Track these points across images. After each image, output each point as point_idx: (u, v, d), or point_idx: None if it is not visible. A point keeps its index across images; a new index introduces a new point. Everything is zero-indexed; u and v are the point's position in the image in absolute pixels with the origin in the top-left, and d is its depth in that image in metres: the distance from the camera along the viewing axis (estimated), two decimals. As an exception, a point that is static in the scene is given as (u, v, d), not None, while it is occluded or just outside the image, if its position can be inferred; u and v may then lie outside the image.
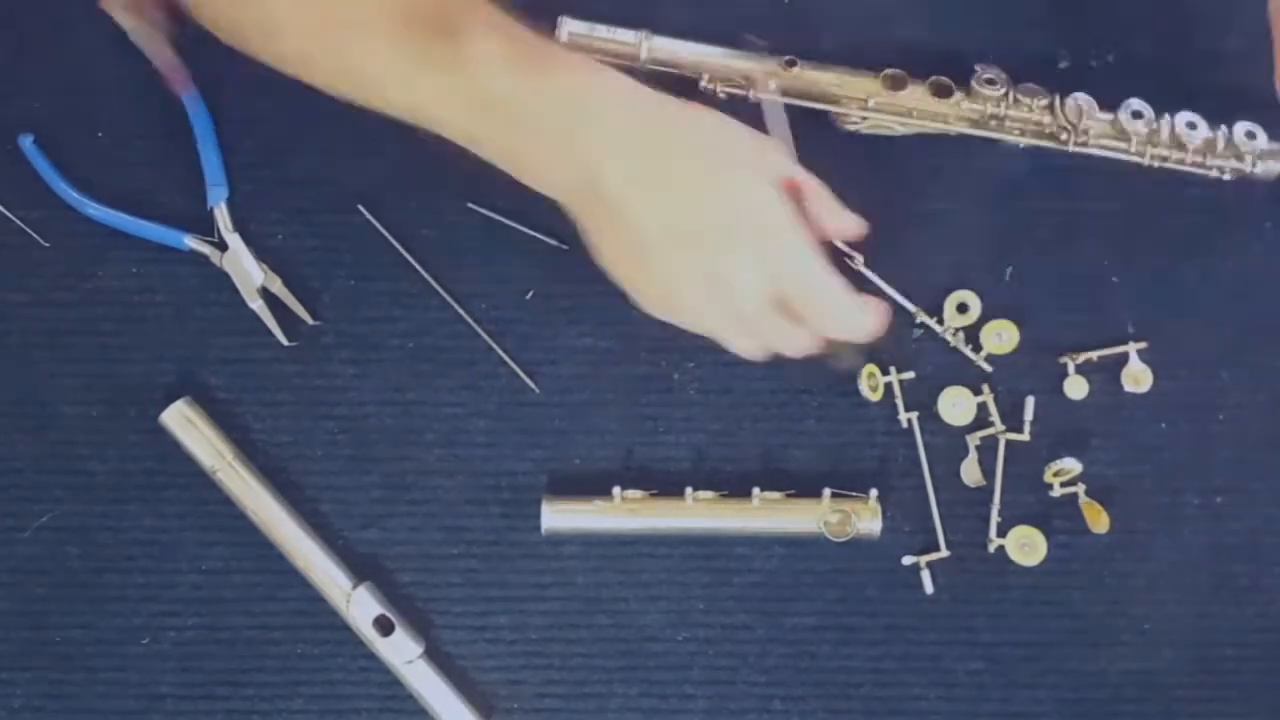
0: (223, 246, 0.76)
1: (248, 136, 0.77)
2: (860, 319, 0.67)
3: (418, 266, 0.77)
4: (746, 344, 0.69)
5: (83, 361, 0.76)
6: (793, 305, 0.66)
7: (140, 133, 0.78)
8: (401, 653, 0.74)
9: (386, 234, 0.77)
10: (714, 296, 0.65)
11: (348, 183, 0.77)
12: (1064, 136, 0.76)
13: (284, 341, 0.76)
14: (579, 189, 0.65)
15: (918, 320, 0.77)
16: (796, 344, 0.68)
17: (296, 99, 0.76)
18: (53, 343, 0.77)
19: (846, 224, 0.69)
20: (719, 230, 0.64)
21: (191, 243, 0.76)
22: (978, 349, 0.77)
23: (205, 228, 0.77)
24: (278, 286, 0.76)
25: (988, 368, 0.77)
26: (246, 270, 0.76)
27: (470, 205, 0.77)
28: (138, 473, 0.76)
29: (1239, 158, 0.76)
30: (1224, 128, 0.77)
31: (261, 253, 0.77)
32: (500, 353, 0.77)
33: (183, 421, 0.75)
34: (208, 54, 0.77)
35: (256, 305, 0.76)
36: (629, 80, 0.65)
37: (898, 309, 0.77)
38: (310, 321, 0.76)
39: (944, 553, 0.76)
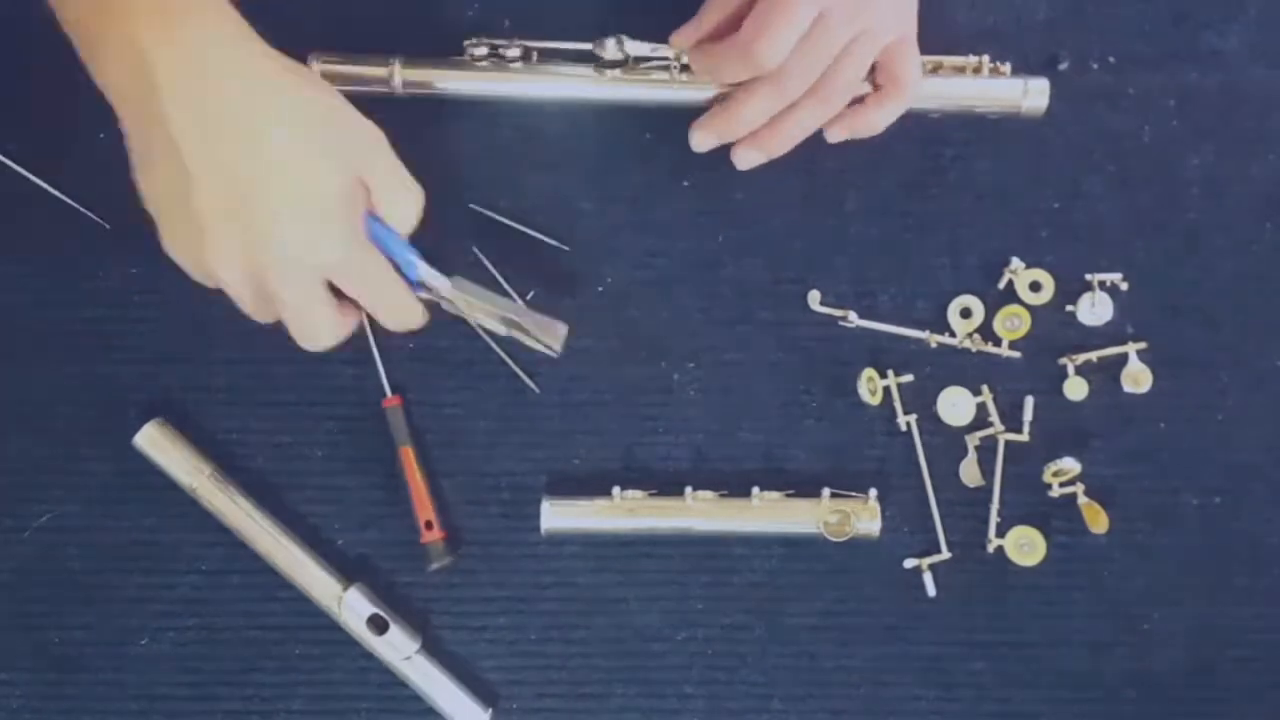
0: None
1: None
2: (409, 311, 0.66)
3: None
4: (258, 309, 0.63)
5: (82, 362, 0.76)
6: (341, 287, 0.63)
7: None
8: (398, 649, 0.74)
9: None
10: (247, 258, 0.60)
11: (347, 183, 0.77)
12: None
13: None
14: (133, 95, 0.59)
15: (932, 344, 0.77)
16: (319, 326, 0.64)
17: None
18: (51, 343, 0.76)
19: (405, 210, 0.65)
20: (265, 192, 0.59)
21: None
22: (998, 343, 0.77)
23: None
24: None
25: (1016, 354, 0.77)
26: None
27: (471, 206, 0.77)
28: (136, 474, 0.75)
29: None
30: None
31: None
32: (500, 353, 0.77)
33: (157, 442, 0.75)
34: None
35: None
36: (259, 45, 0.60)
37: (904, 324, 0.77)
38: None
39: (945, 554, 0.76)
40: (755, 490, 0.75)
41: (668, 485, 0.76)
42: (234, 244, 0.60)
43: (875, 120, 0.74)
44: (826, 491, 0.75)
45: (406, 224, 0.65)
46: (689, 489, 0.75)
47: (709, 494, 0.75)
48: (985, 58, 0.77)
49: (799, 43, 0.68)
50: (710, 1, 0.72)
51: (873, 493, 0.75)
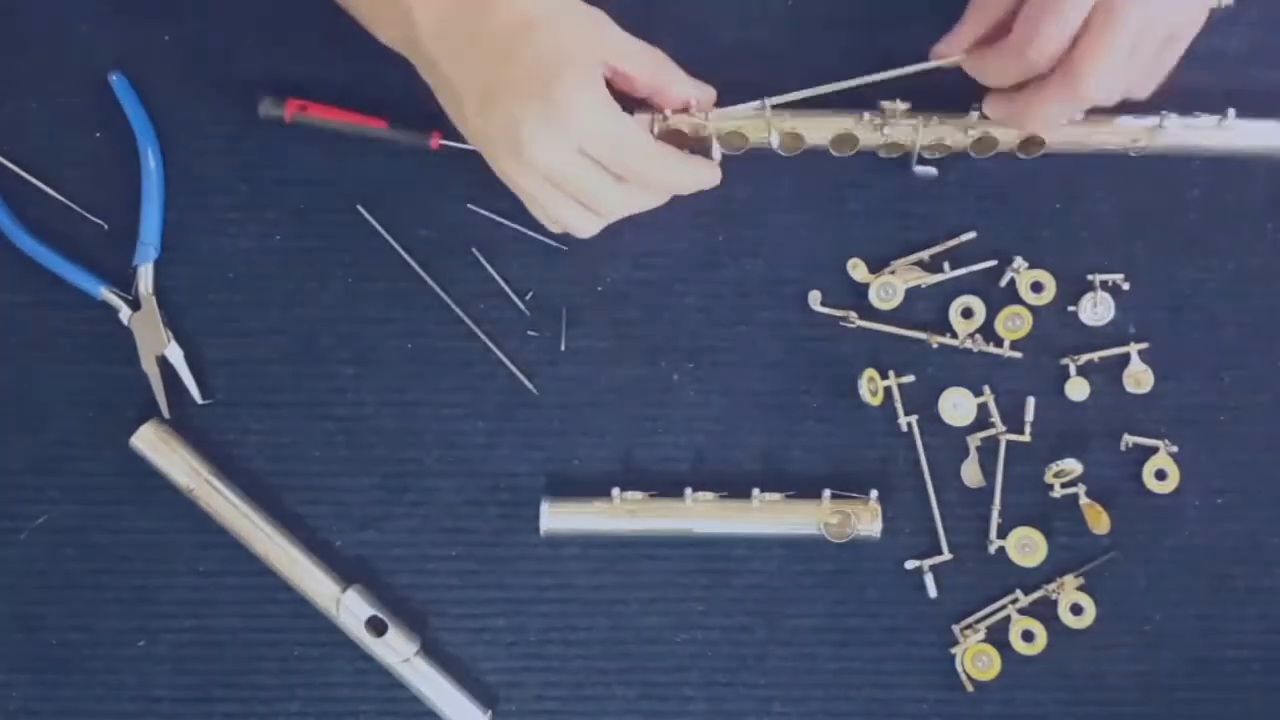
0: (135, 305, 0.75)
1: (248, 137, 0.77)
2: (691, 176, 0.70)
3: (417, 267, 0.76)
4: (564, 215, 0.69)
5: (80, 362, 0.76)
6: (615, 168, 0.67)
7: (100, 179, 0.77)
8: (397, 651, 0.74)
9: (386, 234, 0.76)
10: (520, 160, 0.65)
11: (347, 183, 0.77)
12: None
13: (190, 402, 0.76)
14: (404, 42, 0.68)
15: (934, 345, 0.77)
16: (628, 201, 0.69)
17: (296, 99, 0.76)
18: (49, 344, 0.76)
19: (694, 95, 0.71)
20: (518, 96, 0.64)
21: (106, 294, 0.75)
22: (999, 344, 0.77)
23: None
24: (177, 359, 0.75)
25: (1018, 355, 0.77)
26: (151, 335, 0.75)
27: (470, 206, 0.77)
28: (134, 475, 0.75)
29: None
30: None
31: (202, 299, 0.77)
32: (499, 354, 0.76)
33: (154, 443, 0.75)
34: (206, 61, 0.77)
35: (151, 371, 0.75)
36: None
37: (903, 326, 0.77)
38: (199, 400, 0.75)
39: (946, 555, 0.76)
40: (756, 491, 0.75)
41: (668, 487, 0.75)
42: (537, 132, 0.64)
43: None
44: (827, 493, 0.74)
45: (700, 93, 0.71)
46: (689, 490, 0.75)
47: (709, 495, 0.75)
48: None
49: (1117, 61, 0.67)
50: (972, 9, 0.71)
51: (874, 494, 0.75)
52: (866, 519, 0.74)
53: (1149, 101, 0.71)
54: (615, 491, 0.74)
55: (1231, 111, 0.75)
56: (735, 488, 0.75)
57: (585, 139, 0.65)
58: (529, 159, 0.64)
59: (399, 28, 0.67)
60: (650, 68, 0.69)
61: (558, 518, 0.75)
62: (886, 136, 0.74)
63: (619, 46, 0.67)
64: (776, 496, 0.75)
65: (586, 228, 0.70)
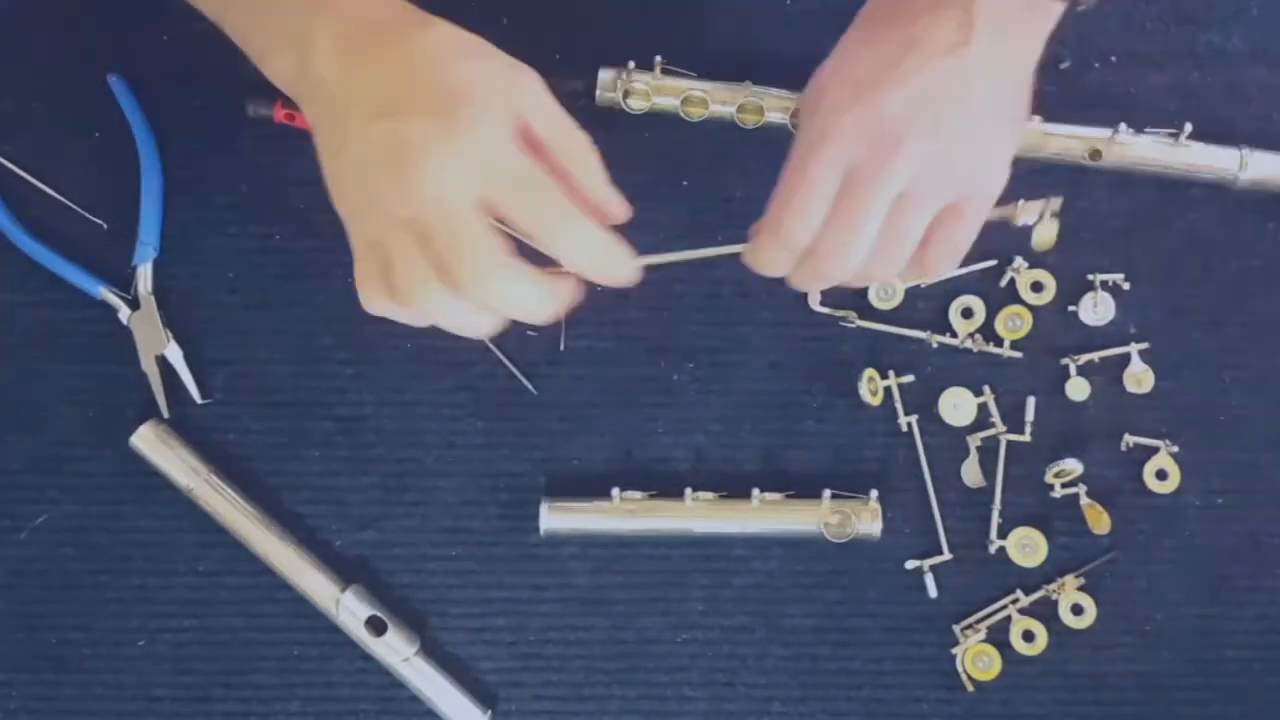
0: (135, 305, 0.76)
1: (248, 137, 0.77)
2: (607, 254, 0.56)
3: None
4: (403, 276, 0.56)
5: (79, 362, 0.76)
6: (513, 229, 0.55)
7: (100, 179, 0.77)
8: (396, 651, 0.74)
9: (385, 234, 0.76)
10: (403, 184, 0.53)
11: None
12: None
13: (190, 402, 0.76)
14: (293, 70, 0.57)
15: (934, 344, 0.77)
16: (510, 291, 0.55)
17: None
18: (49, 344, 0.76)
19: (605, 200, 0.58)
20: (420, 113, 0.54)
21: (105, 294, 0.75)
22: (999, 343, 0.77)
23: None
24: (177, 358, 0.75)
25: (1018, 354, 0.77)
26: (150, 334, 0.75)
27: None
28: (134, 474, 0.75)
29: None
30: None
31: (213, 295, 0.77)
32: (498, 354, 0.76)
33: (154, 442, 0.75)
34: (206, 61, 0.77)
35: (150, 371, 0.75)
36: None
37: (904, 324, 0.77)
38: (199, 400, 0.75)
39: (946, 555, 0.76)
40: (755, 491, 0.75)
41: (668, 486, 0.75)
42: (435, 152, 0.53)
43: (937, 266, 0.61)
44: (827, 493, 0.74)
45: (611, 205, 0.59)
46: (689, 490, 0.75)
47: (709, 495, 0.75)
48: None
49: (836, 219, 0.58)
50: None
51: (874, 493, 0.75)
52: (866, 518, 0.74)
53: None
54: (615, 491, 0.74)
55: (1188, 126, 0.76)
56: (735, 488, 0.75)
57: (488, 175, 0.54)
58: (417, 182, 0.53)
59: (293, 52, 0.57)
60: (566, 143, 0.57)
61: (558, 517, 0.75)
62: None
63: (541, 103, 0.56)
64: (776, 496, 0.75)
65: (413, 304, 0.57)
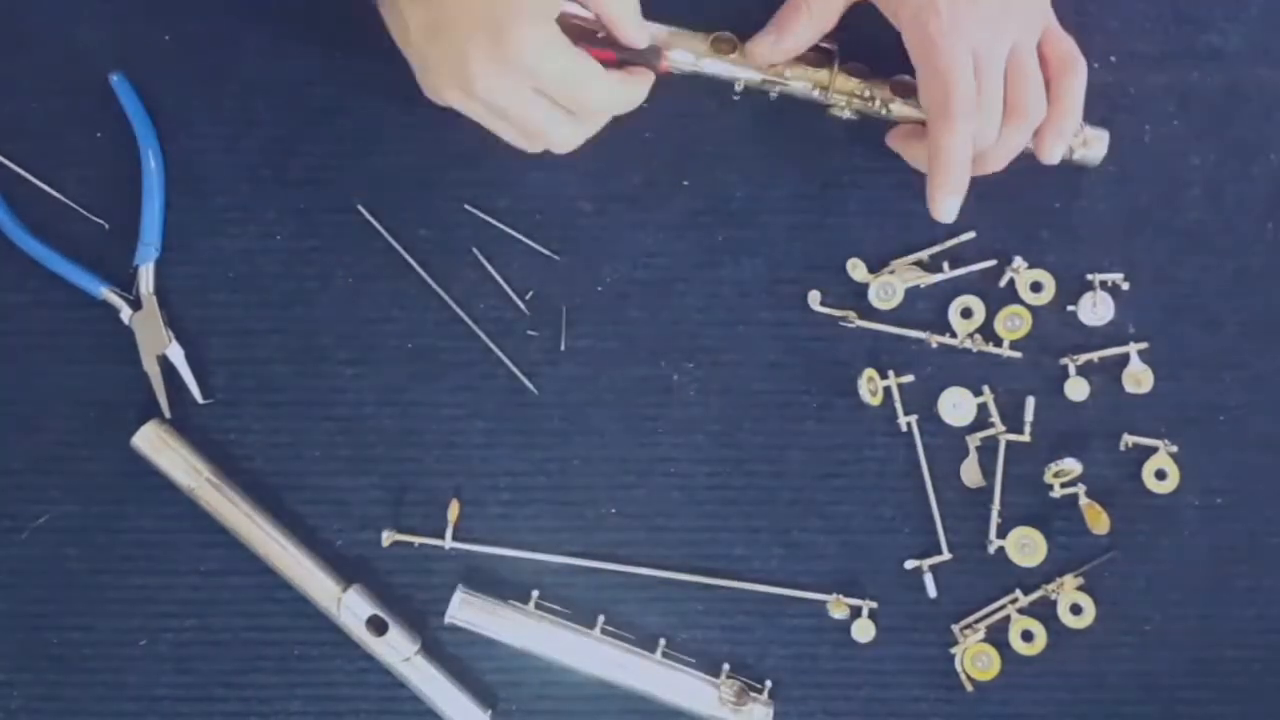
0: (136, 305, 0.76)
1: (247, 137, 0.77)
2: (621, 92, 0.68)
3: (417, 267, 0.76)
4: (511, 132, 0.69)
5: (80, 362, 0.76)
6: (566, 104, 0.67)
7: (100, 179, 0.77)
8: (397, 651, 0.74)
9: (386, 234, 0.76)
10: (467, 93, 0.65)
11: (348, 183, 0.77)
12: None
13: (191, 402, 0.76)
14: None
15: (934, 344, 0.77)
16: (564, 135, 0.69)
17: (295, 99, 0.76)
18: (49, 344, 0.76)
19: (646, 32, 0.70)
20: (467, 30, 0.63)
21: (107, 293, 0.76)
22: (998, 343, 0.77)
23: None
24: (178, 358, 0.75)
25: (1017, 354, 0.77)
26: (152, 334, 0.75)
27: (468, 207, 0.77)
28: (135, 474, 0.75)
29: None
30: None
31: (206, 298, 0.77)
32: (499, 354, 0.76)
33: (155, 442, 0.75)
34: (206, 61, 0.77)
35: (151, 371, 0.75)
36: None
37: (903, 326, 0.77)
38: (200, 400, 0.75)
39: (946, 555, 0.76)
40: (661, 643, 0.75)
41: (663, 487, 0.75)
42: (486, 67, 0.63)
43: (1072, 105, 0.73)
44: (726, 666, 0.75)
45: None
46: (600, 619, 0.75)
47: (616, 643, 0.75)
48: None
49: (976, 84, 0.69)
50: (792, 18, 0.72)
51: (768, 684, 0.75)
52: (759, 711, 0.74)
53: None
54: (534, 594, 0.74)
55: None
56: (736, 487, 0.76)
57: (536, 77, 0.64)
58: (477, 93, 0.64)
59: None
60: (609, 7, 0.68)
61: (468, 609, 0.74)
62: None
63: None
64: (678, 664, 0.75)
65: (561, 141, 0.69)
